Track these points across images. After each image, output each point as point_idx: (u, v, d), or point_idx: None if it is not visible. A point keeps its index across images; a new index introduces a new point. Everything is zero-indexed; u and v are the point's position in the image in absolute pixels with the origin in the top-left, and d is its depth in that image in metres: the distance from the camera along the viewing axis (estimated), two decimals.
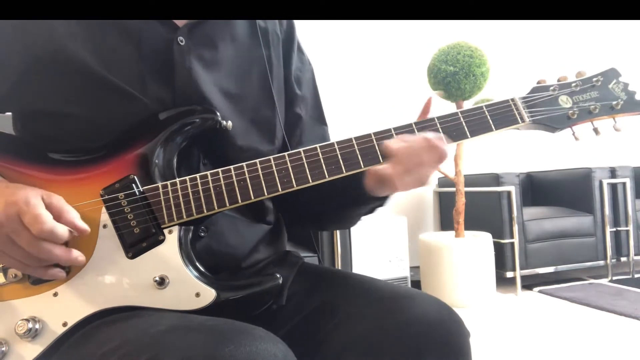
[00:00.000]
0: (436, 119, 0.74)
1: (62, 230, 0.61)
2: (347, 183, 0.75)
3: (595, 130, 0.77)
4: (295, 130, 0.89)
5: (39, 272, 0.63)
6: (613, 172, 3.38)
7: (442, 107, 3.03)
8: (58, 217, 0.62)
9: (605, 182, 3.32)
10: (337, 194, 0.78)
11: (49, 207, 0.62)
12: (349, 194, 0.78)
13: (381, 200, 0.78)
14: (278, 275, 0.70)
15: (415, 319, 0.66)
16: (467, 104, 2.99)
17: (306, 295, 0.76)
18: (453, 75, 2.84)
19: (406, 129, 0.73)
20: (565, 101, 0.77)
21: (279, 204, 0.89)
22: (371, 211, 0.83)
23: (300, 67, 0.92)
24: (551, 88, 0.77)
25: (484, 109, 0.75)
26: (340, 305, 0.71)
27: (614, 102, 0.77)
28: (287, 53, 0.90)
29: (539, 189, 3.78)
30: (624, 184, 3.36)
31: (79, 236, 0.64)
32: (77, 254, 0.63)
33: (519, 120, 0.75)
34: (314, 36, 3.28)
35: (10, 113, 0.80)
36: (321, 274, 0.85)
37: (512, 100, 0.75)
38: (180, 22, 0.76)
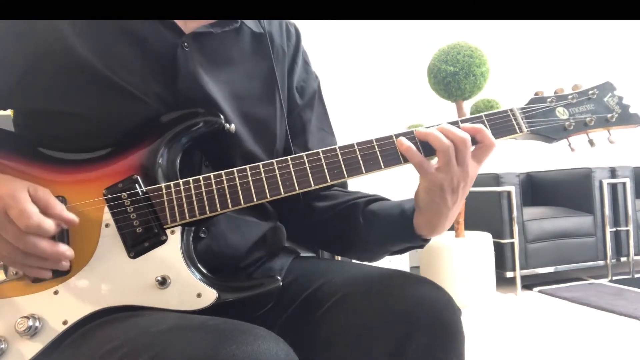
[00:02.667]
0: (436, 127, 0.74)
1: (49, 224, 0.61)
2: (395, 219, 0.77)
3: (591, 142, 0.79)
4: (299, 139, 0.89)
5: (26, 269, 0.63)
6: (613, 172, 3.39)
7: (442, 107, 3.03)
8: (44, 210, 0.61)
9: (605, 182, 3.32)
10: (383, 225, 0.79)
11: (35, 200, 0.61)
12: (396, 229, 0.78)
13: (424, 242, 0.78)
14: (279, 277, 0.70)
15: (404, 298, 0.67)
16: (467, 104, 2.99)
17: (299, 286, 0.77)
18: (453, 75, 2.84)
19: (408, 136, 0.73)
20: (562, 113, 0.78)
21: (313, 229, 0.89)
22: (404, 250, 0.83)
23: (305, 78, 0.93)
24: (548, 100, 0.79)
25: (484, 117, 0.76)
26: (330, 291, 0.71)
27: (609, 115, 0.78)
28: (291, 64, 0.90)
29: (539, 189, 3.79)
30: (624, 184, 3.36)
31: (78, 229, 0.64)
32: (64, 248, 0.63)
33: (517, 130, 0.76)
34: (314, 36, 3.28)
35: (10, 111, 0.80)
36: (313, 264, 0.85)
37: (511, 110, 0.77)
38: (186, 29, 0.77)
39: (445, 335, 0.66)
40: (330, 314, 0.69)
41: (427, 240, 0.78)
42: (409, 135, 0.72)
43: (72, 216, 0.64)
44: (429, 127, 0.72)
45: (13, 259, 0.62)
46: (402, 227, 0.77)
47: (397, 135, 0.72)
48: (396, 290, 0.68)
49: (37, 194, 0.62)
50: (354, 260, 0.90)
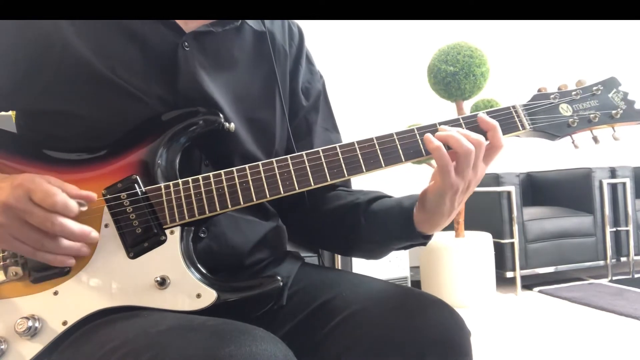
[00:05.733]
0: (437, 124, 0.74)
1: (73, 202, 0.62)
2: (395, 218, 0.76)
3: (595, 139, 0.78)
4: (305, 141, 0.88)
5: (49, 257, 0.63)
6: (613, 172, 3.38)
7: (442, 107, 3.03)
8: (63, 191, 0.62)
9: (605, 182, 3.32)
10: (384, 224, 0.79)
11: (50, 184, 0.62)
12: (397, 227, 0.78)
13: (425, 239, 0.78)
14: (279, 278, 0.70)
15: (416, 319, 0.67)
16: (467, 104, 2.99)
17: (307, 295, 0.76)
18: (453, 75, 2.84)
19: (408, 134, 0.72)
20: (565, 109, 0.77)
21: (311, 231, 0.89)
22: (407, 247, 0.82)
23: (309, 79, 0.92)
24: (552, 96, 0.77)
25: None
26: (340, 305, 0.71)
27: (614, 111, 0.77)
28: (295, 66, 0.90)
29: (539, 189, 3.78)
30: (624, 184, 3.36)
31: (87, 207, 0.65)
32: (90, 229, 0.64)
33: (520, 127, 0.75)
34: (314, 36, 3.28)
35: (12, 112, 0.80)
36: (322, 273, 0.85)
37: (514, 107, 0.76)
38: (186, 28, 0.77)
39: (456, 357, 0.66)
40: (341, 329, 0.69)
41: (428, 237, 0.78)
42: (411, 133, 0.72)
43: (90, 193, 0.65)
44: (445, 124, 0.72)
45: (40, 246, 0.62)
46: (402, 225, 0.77)
47: (398, 134, 0.72)
48: (409, 310, 0.68)
49: (50, 180, 0.63)
50: (356, 263, 0.90)
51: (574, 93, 0.78)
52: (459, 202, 0.72)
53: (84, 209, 0.64)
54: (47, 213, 0.60)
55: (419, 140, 0.72)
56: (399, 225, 0.77)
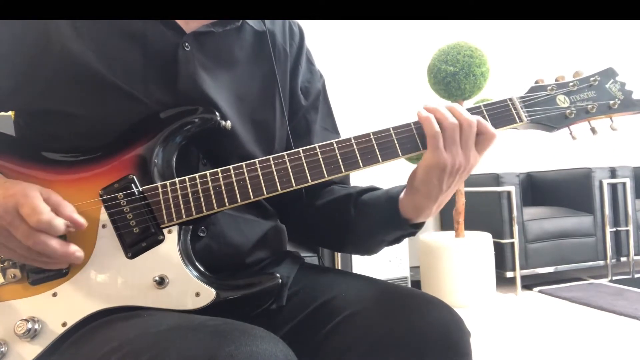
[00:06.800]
0: None
1: (59, 222, 0.60)
2: (382, 206, 0.76)
3: (592, 130, 0.78)
4: (304, 141, 0.88)
5: (39, 265, 0.63)
6: (613, 172, 3.38)
7: None
8: (55, 211, 0.61)
9: (605, 182, 3.32)
10: (373, 213, 0.78)
11: (46, 201, 0.62)
12: (384, 216, 0.77)
13: (412, 228, 0.77)
14: (278, 275, 0.70)
15: (416, 319, 0.67)
16: (467, 104, 2.99)
17: (307, 296, 0.76)
18: (453, 75, 2.84)
19: (405, 129, 0.72)
20: (562, 101, 0.77)
21: (305, 222, 0.89)
22: (398, 240, 0.81)
23: (309, 78, 0.92)
24: (549, 87, 0.77)
25: (482, 108, 0.75)
26: (340, 305, 0.71)
27: (611, 102, 0.77)
28: (295, 65, 0.90)
29: (539, 189, 3.78)
30: (624, 184, 3.36)
31: (76, 231, 0.64)
32: (75, 248, 0.62)
33: (517, 119, 0.75)
34: (314, 36, 3.27)
35: (11, 112, 0.80)
36: (322, 274, 0.84)
37: (510, 99, 0.76)
38: (187, 29, 0.77)
39: (455, 358, 0.66)
40: (341, 329, 0.69)
41: (416, 227, 0.77)
42: (407, 128, 0.72)
43: (82, 220, 0.63)
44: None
45: (28, 255, 0.62)
46: (388, 212, 0.77)
47: (395, 129, 0.72)
48: (408, 311, 0.68)
49: (49, 196, 0.63)
50: (356, 263, 0.90)
51: (571, 84, 0.78)
52: (448, 185, 0.72)
53: (72, 230, 0.63)
54: (31, 230, 0.59)
55: (416, 135, 0.72)
56: (385, 212, 0.77)
